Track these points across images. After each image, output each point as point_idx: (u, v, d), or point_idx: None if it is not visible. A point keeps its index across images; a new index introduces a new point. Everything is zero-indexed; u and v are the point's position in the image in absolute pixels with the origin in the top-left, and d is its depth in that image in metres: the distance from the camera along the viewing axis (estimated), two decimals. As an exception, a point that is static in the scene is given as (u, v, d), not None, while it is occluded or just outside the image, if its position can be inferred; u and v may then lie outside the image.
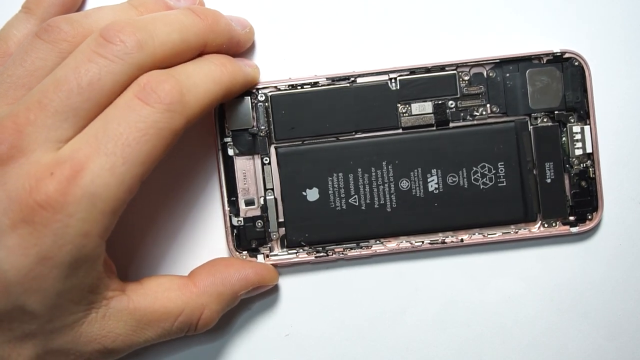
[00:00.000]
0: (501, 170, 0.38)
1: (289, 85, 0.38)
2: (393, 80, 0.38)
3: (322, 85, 0.38)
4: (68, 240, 0.30)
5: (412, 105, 0.38)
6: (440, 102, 0.38)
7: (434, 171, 0.38)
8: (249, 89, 0.37)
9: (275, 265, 0.38)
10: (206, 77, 0.33)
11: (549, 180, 0.38)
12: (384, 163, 0.38)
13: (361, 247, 0.38)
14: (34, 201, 0.29)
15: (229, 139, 0.38)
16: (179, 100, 0.32)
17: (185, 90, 0.32)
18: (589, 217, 0.38)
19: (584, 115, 0.38)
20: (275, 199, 0.38)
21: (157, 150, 0.31)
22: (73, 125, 0.31)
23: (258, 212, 0.38)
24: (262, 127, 0.38)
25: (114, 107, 0.31)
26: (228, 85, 0.35)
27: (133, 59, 0.31)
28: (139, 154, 0.31)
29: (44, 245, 0.29)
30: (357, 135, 0.38)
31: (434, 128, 0.38)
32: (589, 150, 0.38)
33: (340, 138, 0.38)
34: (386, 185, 0.38)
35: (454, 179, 0.38)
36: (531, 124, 0.38)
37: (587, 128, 0.38)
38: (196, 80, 0.33)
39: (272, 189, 0.38)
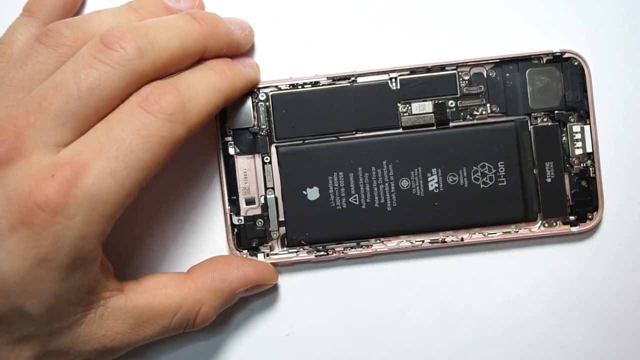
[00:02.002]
0: (501, 169, 0.38)
1: (289, 85, 0.38)
2: (393, 80, 0.38)
3: (322, 85, 0.38)
4: (66, 243, 0.30)
5: (413, 104, 0.38)
6: (440, 101, 0.38)
7: (434, 170, 0.38)
8: (250, 89, 0.37)
9: (275, 264, 0.38)
10: (206, 86, 0.34)
11: (549, 180, 0.38)
12: (384, 162, 0.38)
13: (361, 247, 0.38)
14: (33, 203, 0.29)
15: (229, 138, 0.38)
16: (180, 110, 0.32)
17: (187, 100, 0.32)
18: (589, 216, 0.38)
19: (584, 115, 0.38)
20: (276, 198, 0.38)
21: (158, 157, 0.31)
22: (72, 130, 0.31)
23: (258, 211, 0.38)
24: (263, 127, 0.38)
25: (117, 114, 0.32)
26: (228, 92, 0.35)
27: (133, 66, 0.32)
28: (141, 160, 0.31)
29: (43, 248, 0.30)
30: (357, 135, 0.38)
31: (434, 127, 0.38)
32: (589, 149, 0.38)
33: (341, 137, 0.38)
34: (386, 184, 0.38)
35: (454, 179, 0.38)
36: (531, 124, 0.38)
37: (587, 128, 0.38)
38: (197, 90, 0.33)
39: (273, 188, 0.38)
